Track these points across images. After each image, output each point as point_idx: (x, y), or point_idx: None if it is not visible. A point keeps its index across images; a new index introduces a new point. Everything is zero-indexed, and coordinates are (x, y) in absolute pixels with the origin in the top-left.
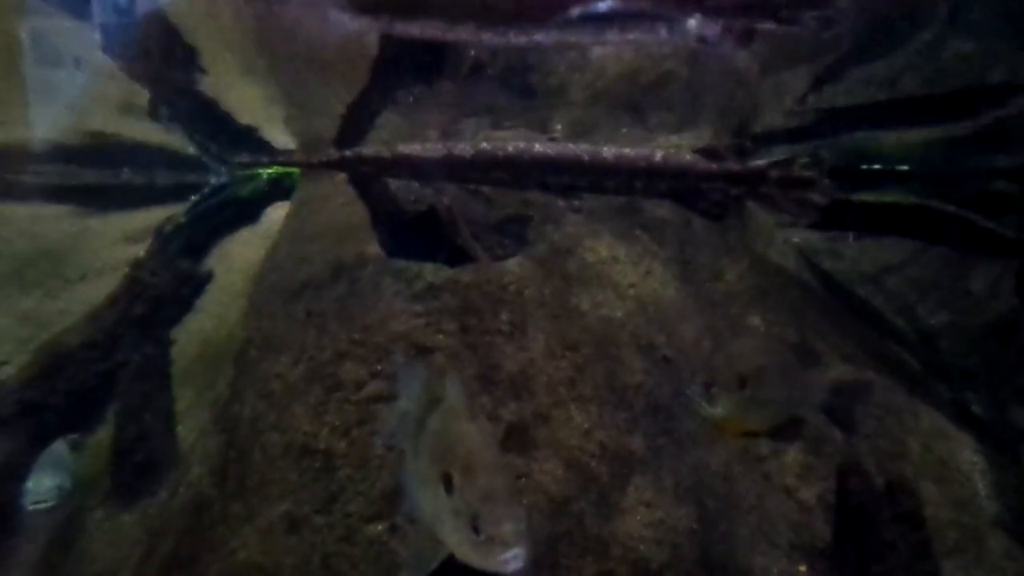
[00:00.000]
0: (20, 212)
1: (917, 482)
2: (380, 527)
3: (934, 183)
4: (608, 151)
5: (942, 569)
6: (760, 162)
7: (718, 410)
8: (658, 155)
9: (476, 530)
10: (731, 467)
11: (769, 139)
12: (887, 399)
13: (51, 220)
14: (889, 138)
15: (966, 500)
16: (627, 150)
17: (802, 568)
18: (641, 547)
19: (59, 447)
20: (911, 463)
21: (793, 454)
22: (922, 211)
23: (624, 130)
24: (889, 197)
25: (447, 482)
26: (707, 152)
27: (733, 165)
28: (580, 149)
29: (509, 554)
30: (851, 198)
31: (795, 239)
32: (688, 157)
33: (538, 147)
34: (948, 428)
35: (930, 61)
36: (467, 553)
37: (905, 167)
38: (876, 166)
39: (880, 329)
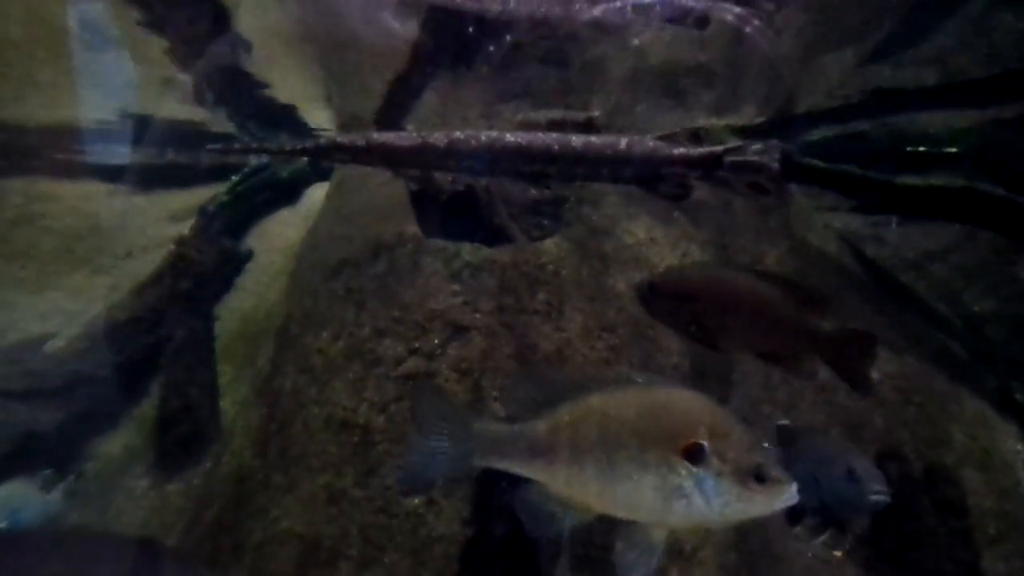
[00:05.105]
0: (70, 190)
1: (959, 470)
2: (417, 501)
3: (983, 165)
4: (577, 139)
5: (982, 558)
6: (716, 148)
7: None
8: (623, 142)
9: (761, 479)
10: None
11: (813, 120)
12: (929, 386)
13: (99, 198)
14: (937, 119)
15: (1009, 489)
16: (594, 138)
17: (838, 554)
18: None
19: (17, 487)
20: (953, 451)
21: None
22: (969, 194)
23: (659, 111)
24: (935, 180)
25: (692, 454)
26: (668, 139)
27: (692, 151)
28: (550, 138)
29: (792, 488)
30: (895, 181)
31: (836, 223)
32: (651, 144)
33: (509, 136)
34: (992, 416)
35: (981, 36)
36: (745, 508)
37: (953, 149)
38: (922, 148)
39: (924, 316)
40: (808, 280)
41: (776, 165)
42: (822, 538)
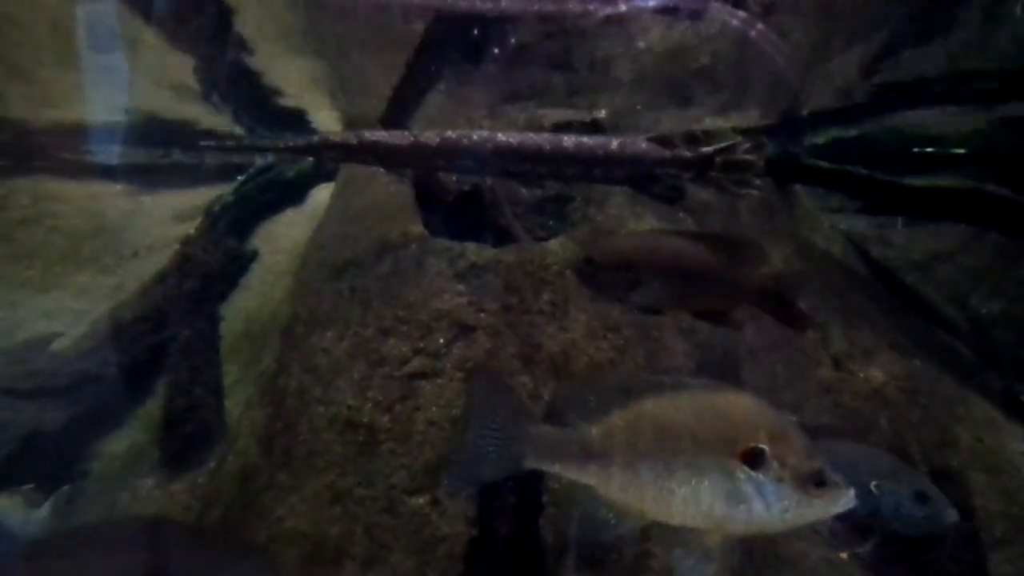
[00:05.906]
0: (77, 190)
1: (965, 472)
2: (422, 500)
3: (990, 167)
4: (568, 140)
5: (988, 560)
6: (706, 149)
7: None
8: (614, 143)
9: (820, 484)
10: None
11: (818, 121)
12: (936, 388)
13: (105, 198)
14: (943, 120)
15: (1015, 491)
16: (586, 139)
17: (844, 556)
18: None
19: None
20: (960, 453)
21: None
22: (976, 196)
23: (664, 113)
24: (942, 181)
25: (751, 458)
26: (660, 140)
27: (683, 152)
28: (541, 138)
29: (851, 493)
30: (901, 182)
31: (842, 225)
32: (643, 145)
33: (501, 136)
34: (999, 419)
35: (988, 35)
36: (804, 513)
37: (960, 150)
38: (929, 149)
39: (930, 318)
40: (812, 280)
41: (762, 162)
42: (866, 547)
